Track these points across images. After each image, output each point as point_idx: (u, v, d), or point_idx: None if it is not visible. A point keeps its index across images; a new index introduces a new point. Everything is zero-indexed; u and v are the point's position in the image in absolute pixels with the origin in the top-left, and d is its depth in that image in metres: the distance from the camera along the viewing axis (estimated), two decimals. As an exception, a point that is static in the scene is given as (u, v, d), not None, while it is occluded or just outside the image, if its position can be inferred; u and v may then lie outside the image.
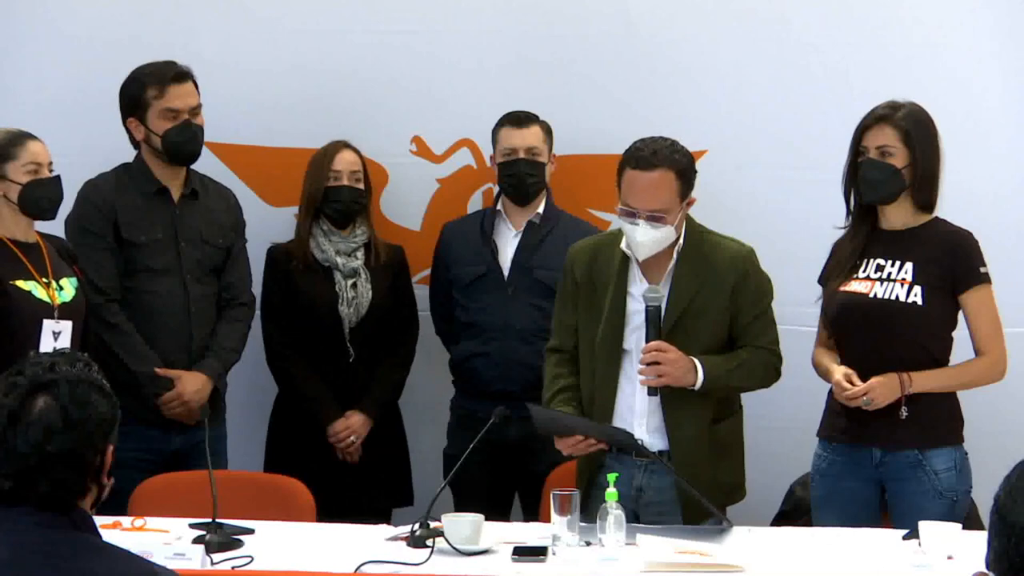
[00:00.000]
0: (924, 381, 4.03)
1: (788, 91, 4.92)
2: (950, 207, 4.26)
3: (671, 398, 4.01)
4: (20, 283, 4.18)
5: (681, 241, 4.04)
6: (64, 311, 4.21)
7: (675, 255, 4.04)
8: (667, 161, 3.97)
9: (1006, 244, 4.76)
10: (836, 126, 4.45)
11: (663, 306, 4.00)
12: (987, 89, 4.86)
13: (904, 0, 4.94)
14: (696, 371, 3.96)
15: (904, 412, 4.01)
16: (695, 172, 4.05)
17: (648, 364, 3.96)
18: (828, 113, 4.79)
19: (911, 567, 3.52)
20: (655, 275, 4.05)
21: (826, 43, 4.92)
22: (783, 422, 4.73)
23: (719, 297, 4.04)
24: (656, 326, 3.97)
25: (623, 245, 4.06)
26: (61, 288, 4.24)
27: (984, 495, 2.09)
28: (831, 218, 4.26)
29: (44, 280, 4.21)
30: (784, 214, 4.90)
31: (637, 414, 4.04)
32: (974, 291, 4.08)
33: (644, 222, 3.96)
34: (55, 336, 4.16)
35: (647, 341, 3.98)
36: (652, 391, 4.00)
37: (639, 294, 4.04)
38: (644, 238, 3.98)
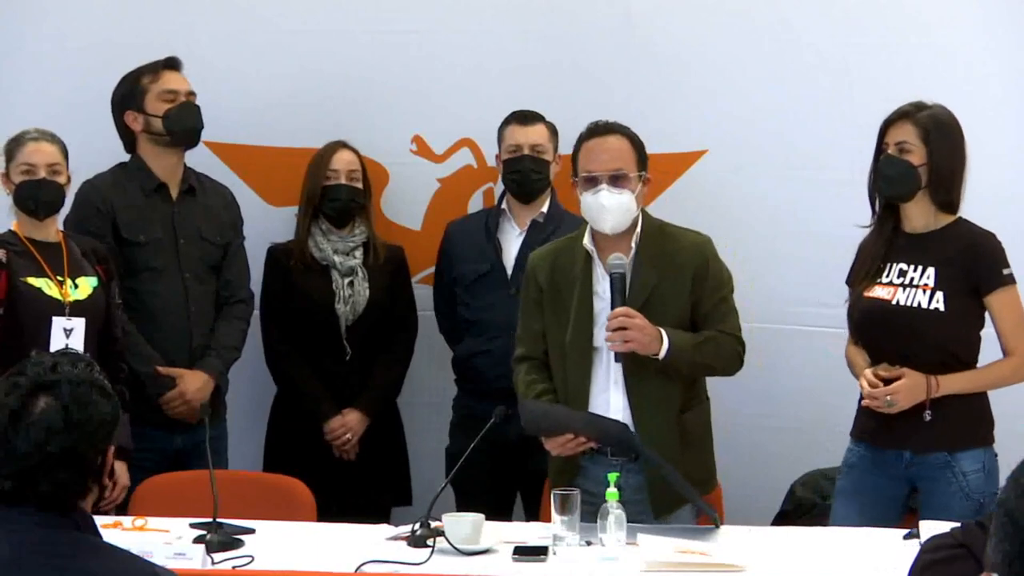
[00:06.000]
0: (950, 384, 4.01)
1: (788, 91, 4.91)
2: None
3: (637, 388, 4.00)
4: (31, 280, 4.22)
5: (639, 230, 4.04)
6: (76, 308, 4.23)
7: (633, 246, 4.04)
8: (620, 129, 4.07)
9: (1006, 244, 4.75)
10: (836, 126, 4.46)
11: (627, 275, 4.00)
12: (987, 89, 4.85)
13: (904, 0, 4.95)
14: (662, 339, 3.95)
15: (928, 415, 4.00)
16: (645, 151, 4.09)
17: (614, 330, 3.95)
18: (828, 113, 4.80)
19: (911, 567, 3.52)
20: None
21: (826, 43, 4.92)
22: (784, 422, 4.75)
23: (680, 285, 4.03)
24: (622, 293, 3.96)
25: (585, 241, 4.07)
26: (76, 286, 4.25)
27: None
28: (832, 218, 4.27)
29: (58, 278, 4.23)
30: (784, 214, 4.90)
31: (612, 412, 4.03)
32: (999, 293, 4.06)
33: (606, 186, 3.98)
34: (67, 333, 4.18)
35: (612, 308, 3.97)
36: (618, 357, 3.98)
37: (604, 292, 4.03)
38: (609, 202, 3.99)
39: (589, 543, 3.64)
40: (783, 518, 4.61)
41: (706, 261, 4.06)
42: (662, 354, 3.95)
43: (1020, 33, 4.89)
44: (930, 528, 3.59)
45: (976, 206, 4.65)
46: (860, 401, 4.16)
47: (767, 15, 4.95)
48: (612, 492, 3.62)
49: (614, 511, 3.59)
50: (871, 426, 4.10)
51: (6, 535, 2.33)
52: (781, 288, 4.37)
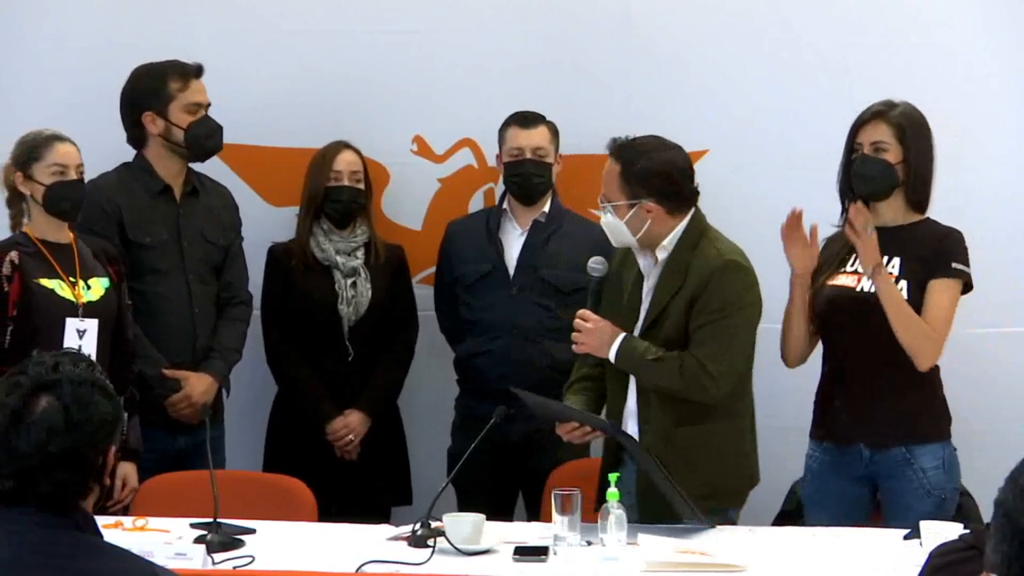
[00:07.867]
0: (888, 286, 4.01)
1: (788, 91, 4.92)
2: (950, 207, 4.27)
3: (643, 396, 4.01)
4: (44, 281, 4.20)
5: (669, 240, 4.01)
6: (89, 310, 4.22)
7: (659, 256, 4.02)
8: (616, 153, 4.01)
9: (1006, 244, 4.77)
10: (836, 126, 4.44)
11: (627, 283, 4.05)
12: (987, 89, 4.87)
13: (904, 0, 4.95)
14: (612, 346, 3.97)
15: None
16: (655, 181, 3.96)
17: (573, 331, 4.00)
18: (828, 113, 4.79)
19: (912, 567, 3.51)
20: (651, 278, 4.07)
21: (826, 43, 4.92)
22: (783, 422, 4.73)
23: (683, 301, 4.00)
24: (595, 296, 4.01)
25: None
26: (89, 287, 4.25)
27: (987, 495, 2.05)
28: (831, 218, 4.27)
29: (71, 279, 4.22)
30: (784, 214, 4.86)
31: (628, 412, 4.05)
32: (941, 280, 4.08)
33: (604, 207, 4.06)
34: (80, 334, 4.17)
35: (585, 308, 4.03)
36: (575, 357, 4.08)
37: (646, 289, 4.04)
38: (602, 221, 4.07)
39: (590, 543, 3.64)
40: (783, 518, 4.61)
41: (706, 284, 3.96)
42: (611, 358, 3.98)
43: (1020, 33, 4.89)
44: (931, 529, 3.60)
45: (976, 206, 4.67)
46: (816, 400, 4.20)
47: (767, 15, 4.96)
48: (613, 492, 3.63)
49: (614, 511, 3.59)
50: (829, 423, 4.14)
51: (6, 535, 2.33)
52: (781, 288, 4.35)
